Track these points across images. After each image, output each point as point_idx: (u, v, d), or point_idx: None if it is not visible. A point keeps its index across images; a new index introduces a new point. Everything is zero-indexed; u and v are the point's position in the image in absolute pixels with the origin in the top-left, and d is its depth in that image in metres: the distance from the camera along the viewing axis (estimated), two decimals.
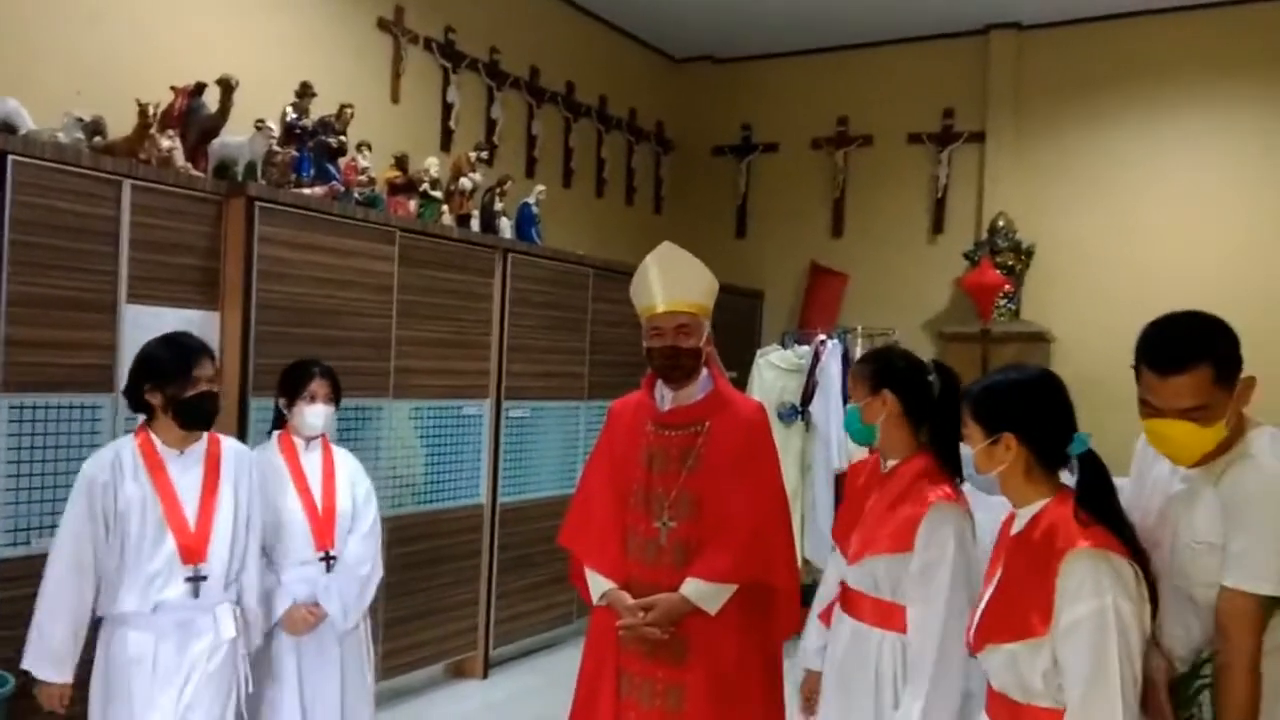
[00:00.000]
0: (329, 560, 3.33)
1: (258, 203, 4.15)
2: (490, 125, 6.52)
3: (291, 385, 3.40)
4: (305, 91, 4.82)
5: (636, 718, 2.73)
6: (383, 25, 5.74)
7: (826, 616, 2.74)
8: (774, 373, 6.57)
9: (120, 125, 3.98)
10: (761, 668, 2.75)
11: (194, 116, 4.28)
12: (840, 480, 5.79)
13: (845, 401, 5.46)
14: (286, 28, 5.17)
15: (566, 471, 5.83)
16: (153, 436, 2.86)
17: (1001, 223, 7.19)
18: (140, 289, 3.84)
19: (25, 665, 2.77)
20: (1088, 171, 7.13)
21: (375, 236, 4.69)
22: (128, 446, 2.84)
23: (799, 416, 6.38)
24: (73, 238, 3.63)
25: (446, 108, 6.17)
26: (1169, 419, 2.03)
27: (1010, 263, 7.11)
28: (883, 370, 2.65)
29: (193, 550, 2.81)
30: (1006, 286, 7.05)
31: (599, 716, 2.78)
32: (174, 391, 2.80)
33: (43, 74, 4.05)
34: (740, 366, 6.77)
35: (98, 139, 3.90)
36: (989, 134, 7.43)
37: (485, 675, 5.41)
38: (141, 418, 2.94)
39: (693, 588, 2.66)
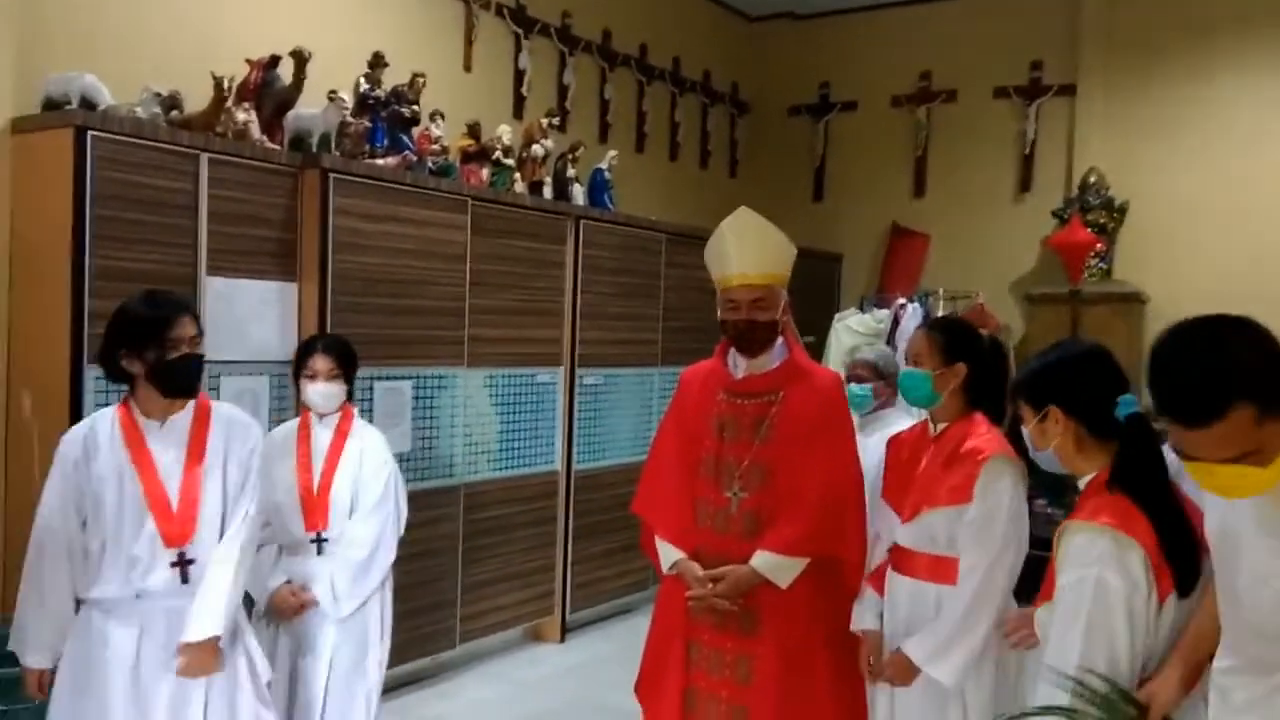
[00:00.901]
0: (319, 542, 3.15)
1: (332, 174, 4.19)
2: (562, 91, 6.48)
3: (297, 362, 3.31)
4: (378, 62, 4.84)
5: (705, 687, 2.72)
6: None
7: (878, 582, 2.71)
8: (851, 337, 6.45)
9: (197, 99, 4.04)
10: (832, 642, 2.71)
11: (269, 89, 4.32)
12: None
13: None
14: None
15: (640, 438, 5.82)
16: (133, 408, 2.57)
17: (1093, 179, 6.93)
18: (219, 261, 3.92)
19: (10, 648, 2.60)
20: (1186, 124, 6.81)
21: (448, 206, 4.71)
22: (105, 419, 2.57)
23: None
24: (153, 211, 3.70)
25: (519, 74, 6.15)
26: (1211, 464, 1.60)
27: (1102, 221, 6.85)
28: (961, 344, 2.68)
29: (176, 532, 2.52)
30: (1098, 245, 6.80)
31: (667, 684, 2.78)
32: (154, 356, 2.50)
33: (119, 49, 4.12)
34: (817, 331, 6.66)
35: (175, 113, 3.97)
36: (1080, 86, 7.14)
37: (563, 639, 5.46)
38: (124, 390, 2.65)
39: (762, 560, 2.63)
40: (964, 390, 2.64)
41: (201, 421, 2.61)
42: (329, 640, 3.13)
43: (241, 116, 4.10)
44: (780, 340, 2.81)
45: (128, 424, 2.55)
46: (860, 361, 3.60)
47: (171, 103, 3.96)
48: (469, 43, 5.81)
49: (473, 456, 4.92)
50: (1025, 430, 2.16)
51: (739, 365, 2.82)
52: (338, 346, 3.31)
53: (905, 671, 2.53)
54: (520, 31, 6.14)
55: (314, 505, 3.15)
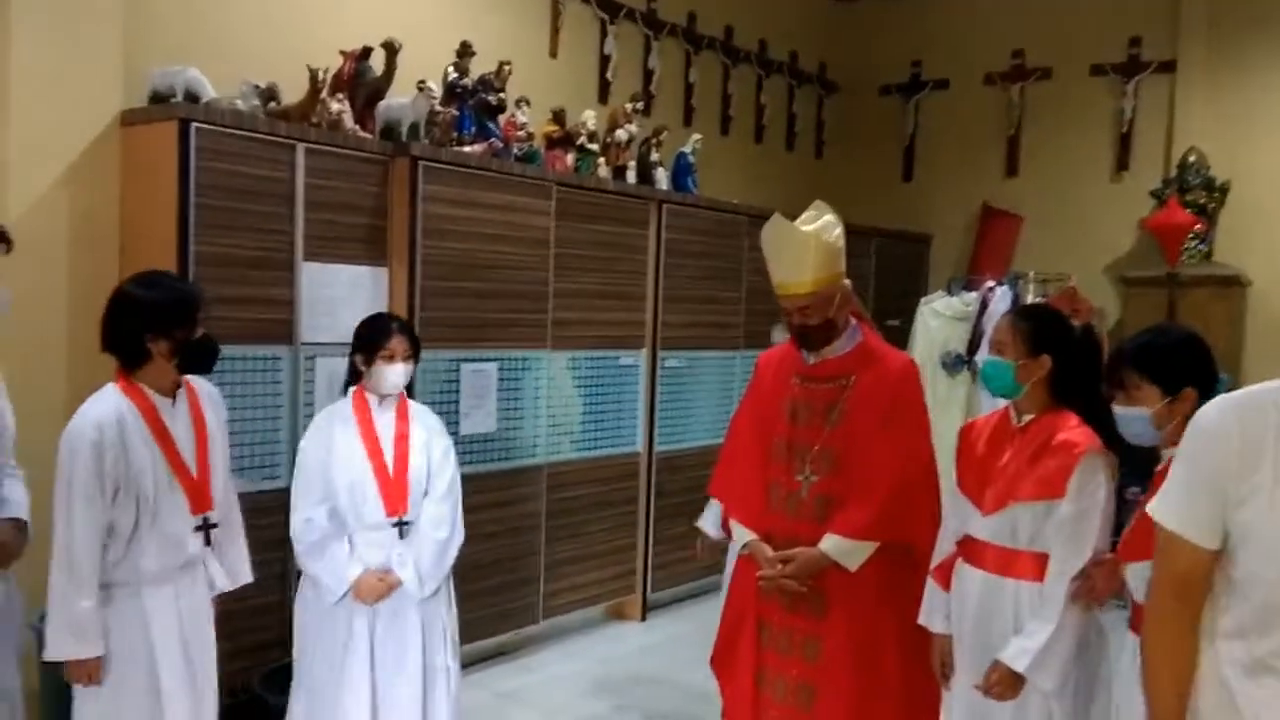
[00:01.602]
0: (402, 526, 3.12)
1: (421, 162, 4.31)
2: (647, 75, 6.52)
3: (370, 342, 3.16)
4: (465, 51, 4.94)
5: (774, 665, 2.77)
6: None
7: (944, 576, 2.70)
8: (939, 321, 6.38)
9: (293, 91, 4.20)
10: (901, 627, 2.73)
11: (361, 80, 4.46)
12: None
13: None
14: None
15: (721, 421, 5.85)
16: (143, 388, 2.63)
17: (1192, 158, 6.71)
18: (315, 247, 4.07)
19: (50, 653, 2.55)
20: None
21: (533, 191, 4.80)
22: (123, 402, 2.60)
23: (965, 366, 6.19)
24: (252, 199, 3.87)
25: (604, 60, 6.21)
26: None
27: (1202, 201, 6.63)
28: (1048, 334, 2.63)
29: (200, 499, 2.69)
30: (1197, 226, 6.58)
31: (739, 663, 2.83)
32: (181, 335, 2.61)
33: (220, 44, 4.31)
34: (904, 314, 6.61)
35: (273, 104, 4.13)
36: (1180, 63, 6.91)
37: (644, 618, 5.55)
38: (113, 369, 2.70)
39: (831, 543, 2.66)
40: (1050, 382, 2.60)
41: (193, 394, 2.76)
42: (414, 623, 3.13)
43: (335, 107, 4.24)
44: (853, 324, 2.83)
45: (145, 405, 2.62)
46: None
47: (269, 95, 4.13)
48: (555, 30, 5.89)
49: (556, 437, 5.02)
50: (1135, 411, 2.27)
51: (810, 351, 2.85)
52: (408, 327, 3.30)
53: (1012, 686, 2.46)
54: (606, 17, 6.20)
55: (392, 489, 3.11)
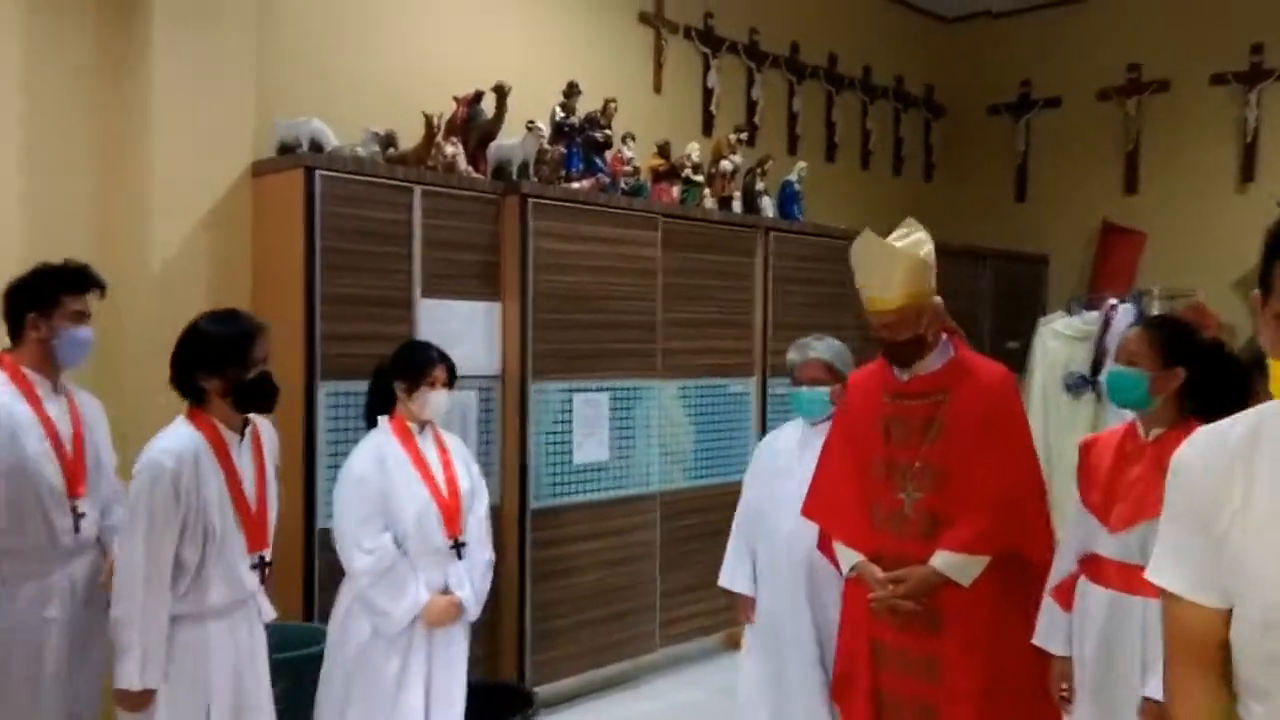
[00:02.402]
0: (459, 547, 3.18)
1: (531, 199, 4.44)
2: (750, 106, 6.58)
3: (416, 370, 3.20)
4: (572, 91, 5.07)
5: (892, 687, 2.72)
6: (644, 19, 5.94)
7: (1063, 596, 2.62)
8: (1059, 341, 6.22)
9: (409, 136, 4.39)
10: (1019, 644, 2.66)
11: (473, 123, 4.63)
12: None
13: None
14: (554, 30, 5.48)
15: None
16: (215, 422, 2.64)
17: None
18: (431, 285, 4.23)
19: (119, 682, 2.51)
20: None
21: (639, 223, 4.89)
22: (193, 433, 2.61)
23: (1089, 386, 6.01)
24: (372, 241, 4.05)
25: (707, 93, 6.30)
26: None
27: None
28: (1182, 345, 2.56)
29: (257, 536, 2.68)
30: None
31: (858, 687, 2.80)
32: (234, 374, 2.60)
33: (341, 94, 4.54)
34: (1022, 336, 6.46)
35: (390, 150, 4.33)
36: None
37: None
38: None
39: (942, 560, 2.62)
40: (1180, 395, 2.52)
41: (255, 432, 2.76)
42: (461, 648, 3.22)
43: (449, 150, 4.41)
44: (945, 339, 2.80)
45: (215, 439, 2.62)
46: (813, 361, 3.24)
47: (388, 141, 4.32)
48: (659, 66, 6.01)
49: (668, 466, 5.06)
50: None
51: (902, 367, 2.83)
52: (447, 356, 3.30)
53: None
54: (708, 51, 6.29)
55: (450, 511, 3.17)
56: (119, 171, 3.91)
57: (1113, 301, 6.14)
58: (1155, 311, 6.04)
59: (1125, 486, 2.53)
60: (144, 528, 2.51)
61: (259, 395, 2.65)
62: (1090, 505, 2.61)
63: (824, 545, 2.95)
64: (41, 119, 3.77)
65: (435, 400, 3.21)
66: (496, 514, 4.12)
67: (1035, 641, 2.66)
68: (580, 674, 4.69)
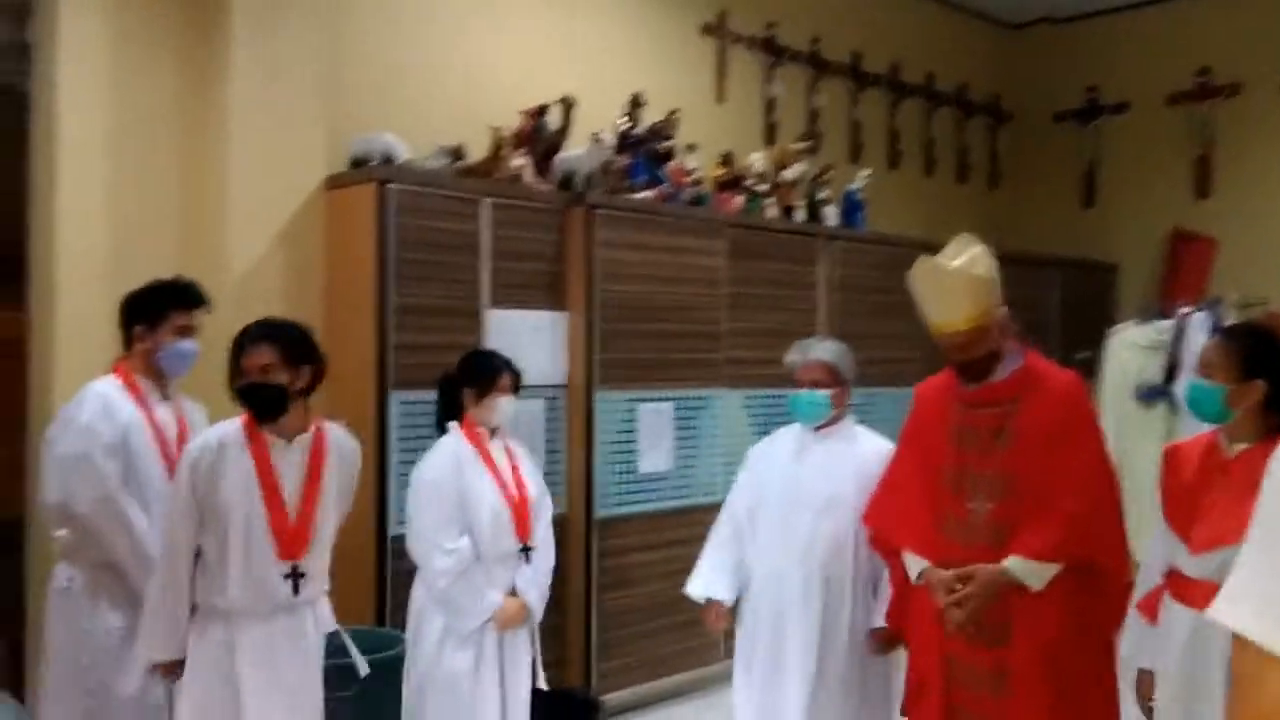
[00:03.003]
0: (527, 551, 3.24)
1: (596, 210, 4.48)
2: (813, 115, 6.56)
3: (483, 378, 3.26)
4: (636, 102, 5.12)
5: (963, 702, 2.68)
6: (706, 30, 5.96)
7: (1149, 608, 2.56)
8: (1130, 351, 6.09)
9: (477, 149, 4.45)
10: (1090, 653, 2.61)
11: (539, 135, 4.69)
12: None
13: None
14: (618, 44, 5.52)
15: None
16: (255, 424, 2.69)
17: None
18: (499, 295, 4.28)
19: (143, 655, 2.71)
20: None
21: (703, 232, 4.91)
22: (231, 430, 2.67)
23: (1162, 397, 5.89)
24: (442, 252, 4.11)
25: (769, 102, 6.30)
26: None
27: None
28: (1262, 357, 2.48)
29: (291, 545, 2.66)
30: None
31: (930, 699, 2.76)
32: (232, 384, 2.68)
33: (412, 109, 4.62)
34: (1093, 345, 6.35)
35: (459, 163, 4.40)
36: None
37: None
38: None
39: (1014, 563, 2.57)
40: (1263, 408, 2.45)
41: (319, 442, 2.75)
42: (527, 650, 3.27)
43: (517, 162, 4.47)
44: (1015, 347, 2.76)
45: (256, 439, 2.65)
46: (814, 362, 3.14)
47: (456, 154, 4.40)
48: (721, 76, 6.03)
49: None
50: None
51: (974, 382, 2.79)
52: (511, 363, 3.35)
53: None
54: (771, 60, 6.29)
55: (523, 517, 3.22)
56: (199, 187, 4.03)
57: (1186, 309, 6.01)
58: (1230, 320, 5.90)
59: (1206, 506, 2.46)
60: (168, 509, 2.71)
61: (248, 405, 2.67)
62: (1171, 522, 2.56)
63: (877, 543, 2.94)
64: (128, 138, 3.90)
65: (503, 406, 3.28)
66: (562, 522, 4.16)
67: (1122, 654, 2.60)
68: (645, 683, 4.70)
